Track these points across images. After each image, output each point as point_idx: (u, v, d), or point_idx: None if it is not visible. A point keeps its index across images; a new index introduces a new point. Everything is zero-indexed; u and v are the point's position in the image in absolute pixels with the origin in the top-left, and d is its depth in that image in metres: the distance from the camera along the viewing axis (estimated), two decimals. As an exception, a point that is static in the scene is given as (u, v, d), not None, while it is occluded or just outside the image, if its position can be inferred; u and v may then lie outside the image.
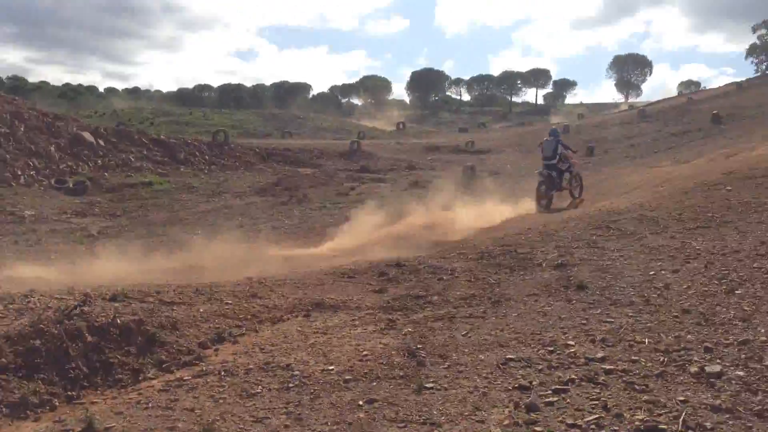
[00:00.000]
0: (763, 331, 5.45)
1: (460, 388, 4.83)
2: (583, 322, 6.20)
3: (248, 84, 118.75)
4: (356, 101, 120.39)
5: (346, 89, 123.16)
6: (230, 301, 7.61)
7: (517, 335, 5.97)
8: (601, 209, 13.89)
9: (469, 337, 6.05)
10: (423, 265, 9.63)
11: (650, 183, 18.25)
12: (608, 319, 6.20)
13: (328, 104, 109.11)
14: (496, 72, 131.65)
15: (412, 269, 9.42)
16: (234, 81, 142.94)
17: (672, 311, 6.26)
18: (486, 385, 4.85)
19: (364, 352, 5.76)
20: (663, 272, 7.89)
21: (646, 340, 5.48)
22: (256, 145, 32.47)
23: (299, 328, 6.74)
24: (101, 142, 27.03)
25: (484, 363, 5.31)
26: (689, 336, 5.52)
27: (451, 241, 12.46)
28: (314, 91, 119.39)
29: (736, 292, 6.71)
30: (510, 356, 5.38)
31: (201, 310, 7.06)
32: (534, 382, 4.80)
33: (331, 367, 5.41)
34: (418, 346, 5.85)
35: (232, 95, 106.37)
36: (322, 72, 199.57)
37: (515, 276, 8.59)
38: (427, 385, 4.90)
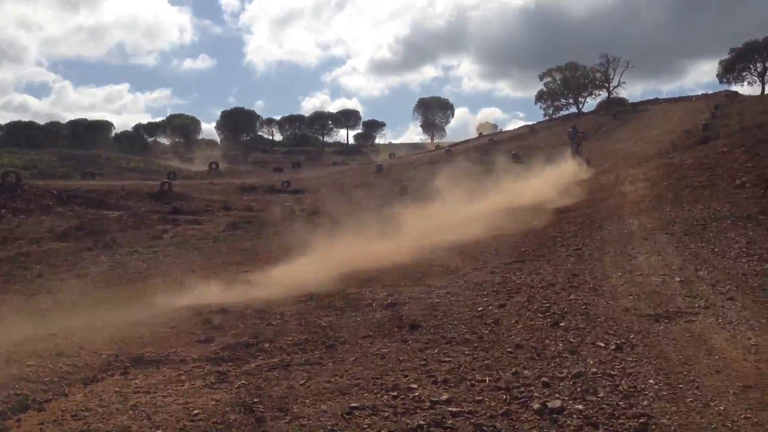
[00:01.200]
0: (591, 362, 5.68)
1: (307, 444, 4.50)
2: (422, 363, 6.12)
3: (41, 122, 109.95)
4: (164, 140, 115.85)
5: (152, 128, 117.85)
6: (32, 362, 6.68)
7: (357, 381, 5.75)
8: (422, 246, 14.20)
9: (308, 386, 5.73)
10: (250, 309, 9.17)
11: (466, 218, 19.03)
12: (446, 359, 6.17)
13: (133, 144, 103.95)
14: (307, 112, 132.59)
15: (238, 314, 8.92)
16: (25, 118, 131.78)
17: (506, 347, 6.38)
18: (332, 438, 4.56)
19: (195, 411, 5.24)
20: (490, 307, 8.09)
21: (487, 379, 5.49)
22: (54, 187, 29.92)
23: (117, 389, 6.02)
24: None
25: (328, 414, 5.02)
26: (526, 371, 5.61)
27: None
28: (117, 130, 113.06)
29: (560, 324, 7.01)
30: (354, 404, 5.14)
31: (-3, 376, 6.13)
32: (382, 432, 4.59)
33: (158, 432, 4.85)
34: (255, 399, 5.42)
35: (23, 133, 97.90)
36: (124, 110, 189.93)
37: (347, 317, 8.40)
38: (268, 445, 4.52)
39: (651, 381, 5.20)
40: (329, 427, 4.75)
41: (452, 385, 5.44)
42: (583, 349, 6.10)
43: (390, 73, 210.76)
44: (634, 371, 5.46)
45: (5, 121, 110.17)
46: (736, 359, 5.59)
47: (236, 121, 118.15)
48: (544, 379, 5.35)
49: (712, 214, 14.29)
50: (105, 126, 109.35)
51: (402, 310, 8.40)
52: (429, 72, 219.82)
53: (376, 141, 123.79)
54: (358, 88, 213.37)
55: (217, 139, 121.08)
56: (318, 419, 4.92)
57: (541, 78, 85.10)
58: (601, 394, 4.97)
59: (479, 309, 8.06)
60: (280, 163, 67.64)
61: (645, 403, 4.80)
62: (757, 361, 5.52)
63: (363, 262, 12.39)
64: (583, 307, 7.75)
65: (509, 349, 6.28)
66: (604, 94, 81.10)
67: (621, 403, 4.82)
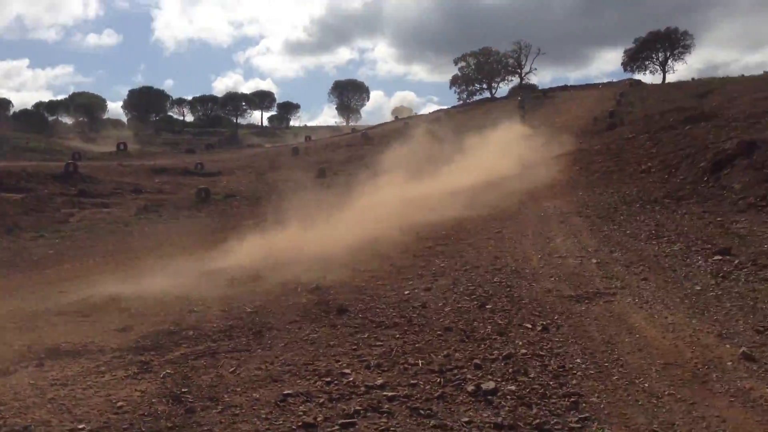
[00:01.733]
0: (520, 343, 5.81)
1: (240, 434, 4.40)
2: (353, 347, 6.09)
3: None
4: (66, 120, 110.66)
5: (54, 106, 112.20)
6: (-63, 356, 6.28)
7: (289, 367, 5.66)
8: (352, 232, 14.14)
9: (238, 374, 5.60)
10: (169, 295, 8.90)
11: (386, 203, 19.09)
12: (377, 343, 6.17)
13: (33, 122, 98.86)
14: (219, 93, 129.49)
15: (157, 301, 8.64)
16: None
17: (435, 330, 6.43)
18: (268, 427, 4.49)
19: (119, 403, 5.03)
20: (416, 291, 8.15)
21: (420, 362, 5.52)
22: (-55, 168, 28.20)
23: (32, 381, 5.70)
24: None
25: (261, 402, 4.92)
26: (457, 354, 5.68)
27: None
28: (15, 108, 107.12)
29: (487, 306, 7.13)
30: (287, 391, 5.05)
31: None
32: (318, 418, 4.54)
33: (81, 426, 4.62)
34: (183, 389, 5.26)
35: None
36: (23, 87, 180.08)
37: (272, 303, 8.26)
38: (201, 435, 4.40)
39: (578, 360, 5.36)
40: (263, 416, 4.66)
41: (386, 369, 5.43)
42: (511, 330, 6.23)
43: (305, 55, 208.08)
44: (561, 351, 5.61)
45: None
46: (655, 338, 5.83)
47: (145, 101, 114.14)
48: (476, 361, 5.42)
49: (622, 198, 14.88)
50: (2, 104, 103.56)
51: (328, 294, 8.35)
52: (345, 54, 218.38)
53: (291, 123, 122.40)
54: (272, 69, 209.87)
55: (124, 119, 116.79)
56: (251, 408, 4.82)
57: (455, 63, 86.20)
58: (532, 375, 5.08)
59: (406, 293, 8.10)
60: (193, 145, 65.81)
61: (574, 382, 4.95)
62: (675, 339, 5.78)
63: (286, 247, 12.25)
64: (508, 289, 7.91)
65: (439, 332, 6.33)
66: (516, 80, 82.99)
67: (551, 382, 4.95)
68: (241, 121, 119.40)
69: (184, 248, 14.00)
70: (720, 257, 8.63)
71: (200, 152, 51.32)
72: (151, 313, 8.09)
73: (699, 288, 7.37)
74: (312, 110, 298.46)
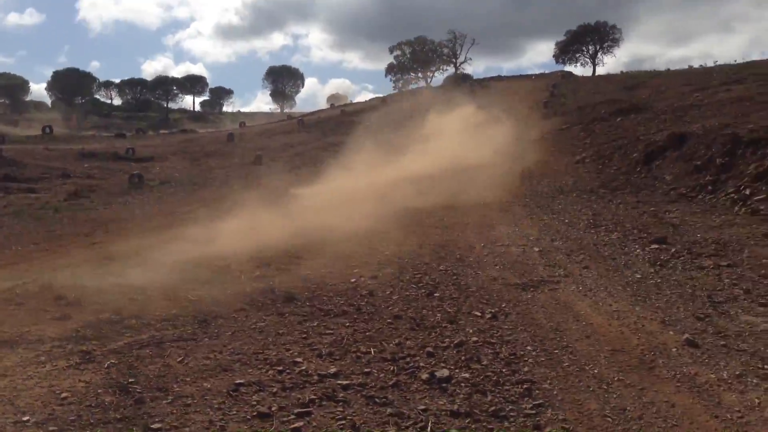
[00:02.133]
0: (471, 331, 5.86)
1: (194, 424, 4.30)
2: (303, 336, 6.03)
3: None
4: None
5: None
6: None
7: (238, 356, 5.56)
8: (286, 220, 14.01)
9: (186, 363, 5.46)
10: (106, 283, 8.61)
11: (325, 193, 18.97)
12: (327, 331, 6.12)
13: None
14: (149, 76, 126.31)
15: (95, 289, 8.34)
16: None
17: (385, 318, 6.43)
18: (222, 417, 4.39)
19: (63, 395, 4.84)
20: (362, 278, 8.13)
21: (372, 350, 5.50)
22: None
23: (-35, 376, 5.46)
24: None
25: (213, 392, 4.81)
26: (408, 342, 5.69)
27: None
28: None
29: (435, 295, 7.17)
30: (239, 381, 4.96)
31: None
32: (273, 408, 4.48)
33: (25, 418, 4.42)
34: (130, 380, 5.09)
35: None
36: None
37: (216, 291, 8.10)
38: (153, 426, 4.27)
39: (529, 348, 5.45)
40: (216, 406, 4.56)
41: (338, 357, 5.40)
42: (461, 318, 6.28)
43: (237, 39, 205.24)
44: (511, 339, 5.69)
45: None
46: (601, 324, 5.98)
47: (70, 83, 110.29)
48: (428, 349, 5.44)
49: (559, 188, 15.23)
50: None
51: (273, 282, 8.24)
52: (278, 40, 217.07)
53: (225, 109, 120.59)
54: (203, 53, 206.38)
55: (48, 101, 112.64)
56: (203, 398, 4.71)
57: (391, 51, 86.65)
58: (485, 362, 5.14)
59: (352, 281, 8.07)
60: (121, 129, 63.97)
61: (526, 369, 5.02)
62: (621, 326, 5.93)
63: (226, 237, 12.04)
64: (454, 277, 7.97)
65: (389, 320, 6.33)
66: (451, 70, 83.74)
67: (504, 370, 5.01)
68: (172, 105, 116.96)
69: (118, 235, 13.59)
70: (657, 246, 8.93)
71: (131, 137, 49.91)
72: (89, 302, 7.80)
73: (639, 276, 7.60)
74: (245, 96, 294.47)
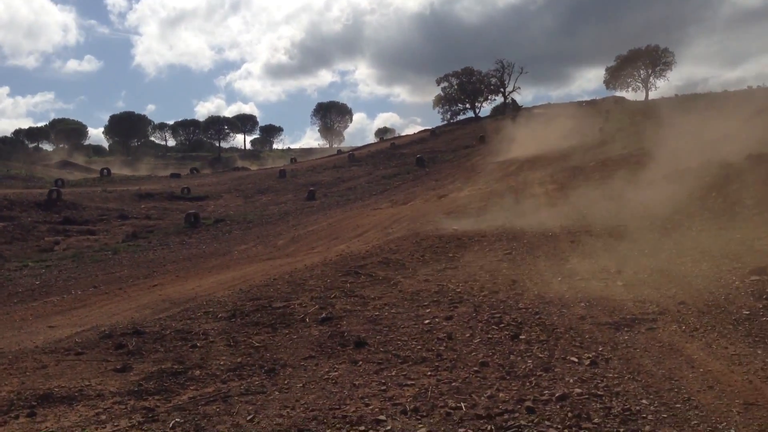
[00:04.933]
0: (571, 381, 5.20)
1: (271, 500, 3.77)
2: (382, 387, 5.46)
3: None
4: (47, 146, 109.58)
5: (34, 133, 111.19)
6: None
7: (313, 413, 5.02)
8: (341, 254, 13.56)
9: (257, 422, 4.94)
10: (168, 329, 8.23)
11: (379, 225, 18.52)
12: (408, 382, 5.54)
13: (13, 150, 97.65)
14: (201, 117, 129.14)
15: (155, 336, 7.96)
16: None
17: (470, 365, 5.82)
18: (302, 490, 3.85)
19: (125, 462, 4.38)
20: (437, 320, 7.55)
21: (462, 405, 4.89)
22: (-76, 197, 27.23)
23: (23, 436, 5.05)
24: None
25: (289, 458, 4.29)
26: (502, 394, 5.06)
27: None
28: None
29: (521, 337, 6.53)
30: (317, 444, 4.43)
31: None
32: (359, 478, 3.92)
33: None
34: (196, 443, 4.62)
35: None
36: (2, 114, 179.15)
37: (280, 335, 7.63)
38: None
39: (644, 401, 4.75)
40: (294, 476, 4.03)
41: (424, 414, 4.81)
42: (556, 365, 5.62)
43: (286, 78, 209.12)
44: (621, 390, 5.00)
45: None
46: (722, 372, 5.24)
47: (126, 126, 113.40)
48: (527, 403, 4.80)
49: (631, 215, 14.38)
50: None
51: (341, 325, 7.72)
52: (326, 77, 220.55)
53: (275, 146, 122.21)
54: (254, 92, 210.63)
55: (106, 144, 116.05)
56: (279, 466, 4.19)
57: (438, 83, 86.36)
58: (596, 420, 4.47)
59: (426, 322, 7.49)
60: (176, 169, 64.99)
61: (647, 428, 4.33)
62: (746, 373, 5.18)
63: (281, 274, 11.63)
64: (537, 316, 7.32)
65: (475, 368, 5.72)
66: (499, 99, 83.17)
67: (621, 429, 4.34)
68: (224, 144, 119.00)
69: (177, 276, 13.33)
70: (757, 277, 8.11)
71: (185, 176, 50.52)
72: (151, 350, 7.43)
73: (747, 312, 6.80)
74: (295, 133, 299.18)
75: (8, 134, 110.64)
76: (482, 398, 5.01)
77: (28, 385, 6.24)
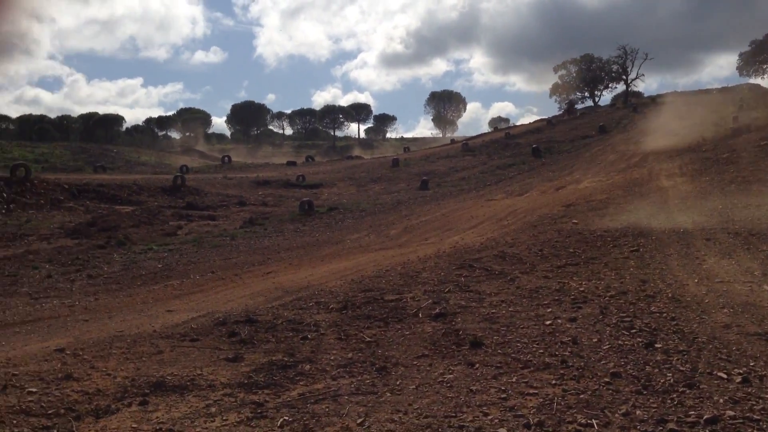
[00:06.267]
0: (721, 401, 4.56)
1: None
2: (501, 396, 5.02)
3: (53, 115, 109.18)
4: (174, 134, 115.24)
5: (163, 122, 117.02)
6: (35, 389, 5.63)
7: (428, 420, 4.64)
8: (455, 246, 13.14)
9: (368, 427, 4.62)
10: (280, 319, 8.10)
11: (494, 216, 17.95)
12: (531, 390, 5.07)
13: (144, 137, 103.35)
14: (318, 106, 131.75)
15: (267, 325, 7.83)
16: (36, 112, 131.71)
17: (599, 375, 5.27)
18: None
19: (234, 461, 4.18)
20: (559, 321, 7.00)
21: (594, 423, 4.37)
22: (65, 181, 28.81)
23: (135, 425, 4.93)
24: None
25: (401, 470, 3.94)
26: (639, 412, 4.50)
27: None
28: (127, 124, 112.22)
29: (656, 345, 5.90)
30: (433, 457, 4.06)
31: (-10, 407, 5.09)
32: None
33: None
34: (306, 446, 4.36)
35: (34, 127, 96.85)
36: (136, 104, 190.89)
37: (392, 330, 7.32)
38: None
39: (814, 431, 4.09)
40: (406, 492, 3.68)
41: (550, 429, 4.33)
42: (701, 381, 4.98)
43: (401, 67, 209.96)
44: (783, 415, 4.34)
45: (17, 115, 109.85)
46: None
47: (246, 115, 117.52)
48: (670, 425, 4.23)
49: (772, 211, 13.16)
50: (116, 120, 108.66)
51: (455, 322, 7.32)
52: (440, 66, 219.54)
53: (388, 135, 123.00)
54: (369, 81, 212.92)
55: (227, 132, 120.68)
56: (389, 478, 3.85)
57: (555, 71, 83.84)
58: (757, 451, 3.87)
59: (547, 323, 6.97)
60: (292, 157, 66.56)
61: (819, 464, 3.70)
62: None
63: (394, 265, 11.33)
64: (673, 322, 6.63)
65: (606, 380, 5.17)
66: (619, 87, 79.68)
67: (786, 464, 3.72)
68: (338, 133, 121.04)
69: (290, 264, 13.34)
70: None
71: (301, 164, 51.52)
72: (262, 340, 7.30)
73: None
74: (408, 122, 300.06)
75: (140, 123, 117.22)
76: (616, 415, 4.47)
77: (143, 371, 6.22)
